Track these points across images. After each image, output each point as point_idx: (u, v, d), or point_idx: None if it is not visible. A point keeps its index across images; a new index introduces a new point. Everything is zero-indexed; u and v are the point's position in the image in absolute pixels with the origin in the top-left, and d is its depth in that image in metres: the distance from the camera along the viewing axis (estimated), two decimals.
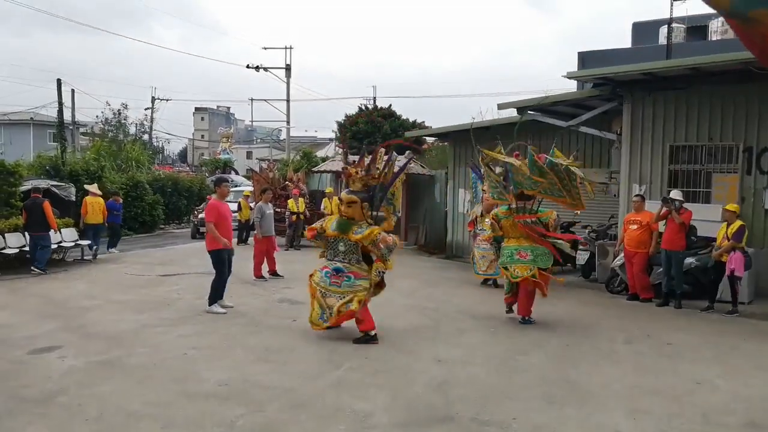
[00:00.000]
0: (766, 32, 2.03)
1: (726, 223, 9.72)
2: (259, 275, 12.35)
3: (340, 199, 8.10)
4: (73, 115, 35.09)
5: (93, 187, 15.98)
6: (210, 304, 9.35)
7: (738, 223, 9.57)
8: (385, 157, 8.07)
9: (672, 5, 22.61)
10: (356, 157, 8.45)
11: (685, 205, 10.31)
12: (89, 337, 7.84)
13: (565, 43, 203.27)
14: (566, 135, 14.64)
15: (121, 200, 17.36)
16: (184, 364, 6.80)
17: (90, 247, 14.89)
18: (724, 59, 10.21)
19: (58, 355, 7.06)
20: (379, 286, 8.04)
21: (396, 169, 8.13)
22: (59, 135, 24.23)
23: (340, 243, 7.84)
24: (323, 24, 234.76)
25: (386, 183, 7.99)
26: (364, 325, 7.76)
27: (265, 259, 12.56)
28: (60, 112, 24.66)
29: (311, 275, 8.11)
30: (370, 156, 8.11)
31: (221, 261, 9.38)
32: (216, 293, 9.44)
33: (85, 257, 14.84)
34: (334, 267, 7.80)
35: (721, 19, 23.68)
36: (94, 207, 15.35)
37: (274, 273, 12.60)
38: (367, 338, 7.68)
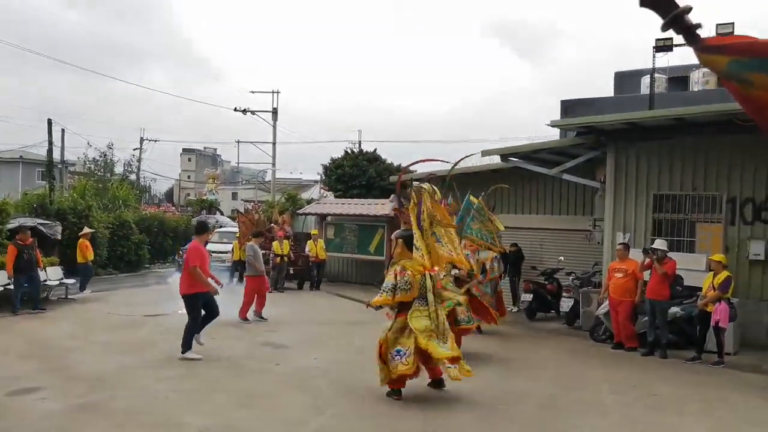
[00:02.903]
0: (759, 93, 2.15)
1: (713, 272, 9.81)
2: (244, 317, 12.25)
3: None
4: (62, 154, 35.01)
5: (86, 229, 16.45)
6: (183, 351, 8.97)
7: (725, 273, 9.64)
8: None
9: (654, 56, 23.20)
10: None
11: (670, 254, 10.42)
12: (70, 379, 7.71)
13: (550, 91, 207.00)
14: (550, 182, 14.85)
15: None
16: (165, 407, 6.69)
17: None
18: (707, 110, 10.45)
19: (38, 396, 6.93)
20: None
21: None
22: (48, 174, 24.15)
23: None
24: (310, 69, 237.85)
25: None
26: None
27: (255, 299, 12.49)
28: (49, 151, 24.60)
29: None
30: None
31: (196, 307, 9.06)
32: (190, 339, 9.05)
33: (69, 296, 14.71)
34: None
35: (702, 70, 24.27)
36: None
37: (259, 315, 12.49)
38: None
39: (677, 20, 2.06)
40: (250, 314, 12.35)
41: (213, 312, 9.31)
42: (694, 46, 2.10)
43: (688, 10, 2.05)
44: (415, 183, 8.11)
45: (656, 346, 10.27)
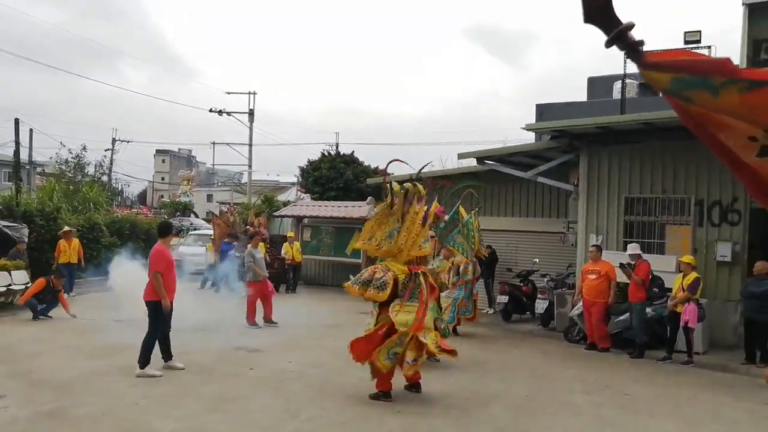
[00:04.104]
0: (699, 110, 2.21)
1: (682, 274, 9.95)
2: (252, 321, 12.08)
3: None
4: (30, 155, 34.42)
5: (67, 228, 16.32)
6: (142, 367, 8.11)
7: (693, 275, 9.78)
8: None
9: (626, 61, 23.45)
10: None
11: (643, 255, 10.55)
12: (35, 385, 7.53)
13: (527, 94, 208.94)
14: (525, 185, 14.93)
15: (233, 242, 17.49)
16: (134, 413, 6.57)
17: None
18: (674, 115, 10.56)
19: (1, 404, 6.75)
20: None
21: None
22: (14, 175, 23.70)
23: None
24: (287, 70, 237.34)
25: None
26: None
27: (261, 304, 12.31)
28: (16, 151, 24.17)
29: None
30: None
31: (159, 314, 8.22)
32: (148, 352, 8.18)
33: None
34: None
35: None
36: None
37: (269, 320, 12.29)
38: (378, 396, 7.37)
39: (621, 37, 2.10)
40: (258, 321, 12.14)
41: (165, 327, 8.50)
42: (637, 63, 2.15)
43: (631, 26, 2.11)
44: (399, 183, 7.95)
45: (638, 346, 10.38)
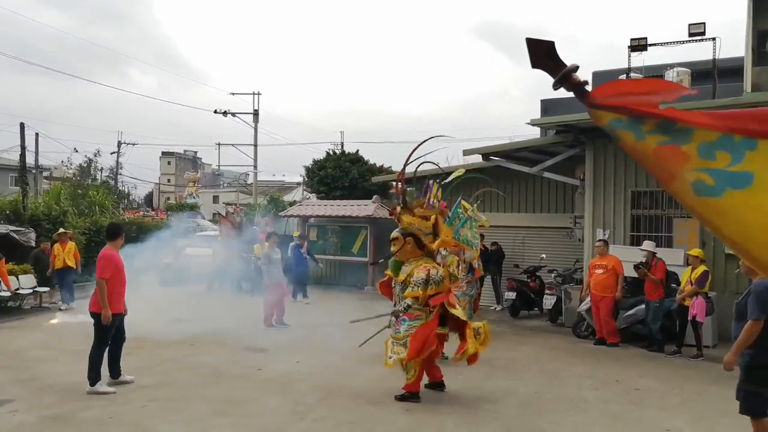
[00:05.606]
0: (629, 148, 2.30)
1: (691, 267, 9.87)
2: (270, 324, 12.02)
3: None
4: (36, 160, 34.57)
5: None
6: (92, 384, 7.38)
7: (702, 268, 9.70)
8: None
9: (630, 55, 23.32)
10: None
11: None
12: (42, 390, 7.52)
13: (533, 91, 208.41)
14: (531, 181, 14.86)
15: (304, 243, 16.98)
16: (141, 417, 6.55)
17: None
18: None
19: (8, 409, 6.75)
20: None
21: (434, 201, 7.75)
22: (21, 179, 23.81)
23: (397, 285, 7.51)
24: (292, 71, 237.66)
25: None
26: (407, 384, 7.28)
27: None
28: (22, 156, 24.26)
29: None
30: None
31: (107, 327, 7.53)
32: (96, 367, 7.45)
33: (42, 304, 14.44)
34: (395, 312, 7.36)
35: (676, 69, 24.55)
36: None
37: (280, 322, 12.22)
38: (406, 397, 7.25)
39: (566, 79, 2.24)
40: (272, 323, 12.10)
41: (121, 336, 7.94)
42: (583, 102, 2.29)
43: (575, 69, 2.26)
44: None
45: (652, 341, 10.34)
